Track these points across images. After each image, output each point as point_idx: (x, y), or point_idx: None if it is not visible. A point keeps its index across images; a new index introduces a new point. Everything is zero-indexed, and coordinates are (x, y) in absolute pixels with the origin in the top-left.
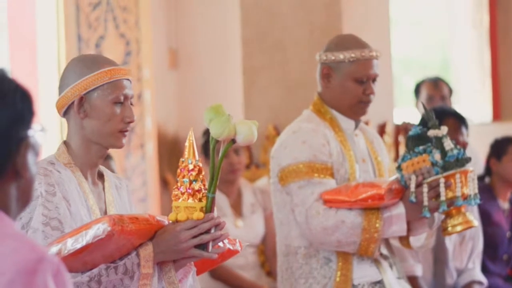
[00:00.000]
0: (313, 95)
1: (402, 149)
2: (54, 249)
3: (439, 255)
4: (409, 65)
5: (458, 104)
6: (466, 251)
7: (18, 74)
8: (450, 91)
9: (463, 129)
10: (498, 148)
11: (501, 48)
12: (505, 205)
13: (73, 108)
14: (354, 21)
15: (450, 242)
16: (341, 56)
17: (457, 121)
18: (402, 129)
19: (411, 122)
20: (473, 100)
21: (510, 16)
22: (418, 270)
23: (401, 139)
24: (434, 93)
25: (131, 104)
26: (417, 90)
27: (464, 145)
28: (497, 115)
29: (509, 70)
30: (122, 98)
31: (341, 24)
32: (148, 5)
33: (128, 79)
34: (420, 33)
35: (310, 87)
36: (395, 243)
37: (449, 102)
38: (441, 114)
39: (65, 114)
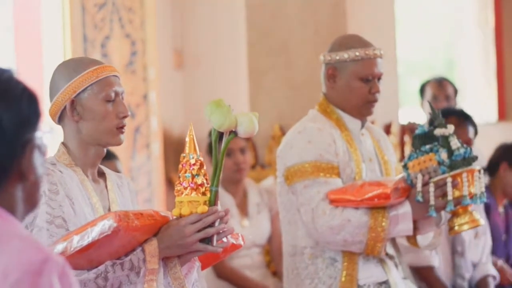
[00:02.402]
0: (318, 96)
1: (407, 149)
2: (60, 247)
3: (456, 247)
4: (414, 65)
5: (463, 104)
6: (480, 245)
7: (24, 75)
8: (455, 90)
9: (467, 127)
10: None
11: (507, 48)
12: (500, 208)
13: (66, 113)
14: (359, 22)
15: (466, 233)
16: (346, 55)
17: (459, 119)
18: (408, 129)
19: (416, 122)
20: (478, 100)
21: None
22: (435, 260)
23: (407, 139)
24: (439, 92)
25: (122, 99)
26: (422, 90)
27: (468, 143)
28: (503, 114)
29: None
30: (112, 94)
31: (346, 25)
32: (154, 5)
33: (115, 75)
34: (425, 33)
35: (316, 87)
36: (403, 241)
37: (454, 102)
38: (444, 113)
39: (60, 121)
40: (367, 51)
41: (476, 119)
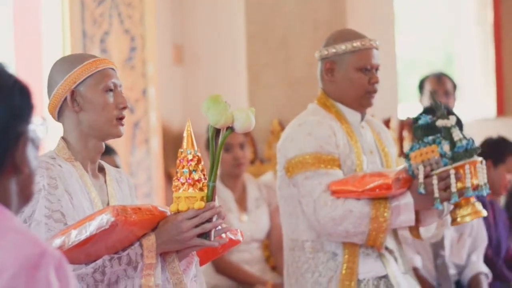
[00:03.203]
0: (317, 91)
1: (406, 144)
2: (58, 241)
3: (438, 252)
4: (413, 62)
5: (462, 100)
6: (465, 247)
7: (23, 70)
8: (454, 86)
9: None
10: (498, 153)
11: (505, 44)
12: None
13: (66, 106)
14: (358, 18)
15: (447, 239)
16: (343, 47)
17: None
18: (407, 124)
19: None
20: (477, 96)
21: None
22: (417, 261)
23: (406, 134)
24: (438, 88)
25: (121, 92)
26: (421, 86)
27: None
28: (501, 110)
29: None
30: (112, 85)
31: (345, 21)
32: (153, 1)
33: (113, 69)
34: (424, 30)
35: (314, 83)
36: (404, 233)
37: (452, 97)
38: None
39: (59, 115)
40: (363, 42)
41: (475, 115)
